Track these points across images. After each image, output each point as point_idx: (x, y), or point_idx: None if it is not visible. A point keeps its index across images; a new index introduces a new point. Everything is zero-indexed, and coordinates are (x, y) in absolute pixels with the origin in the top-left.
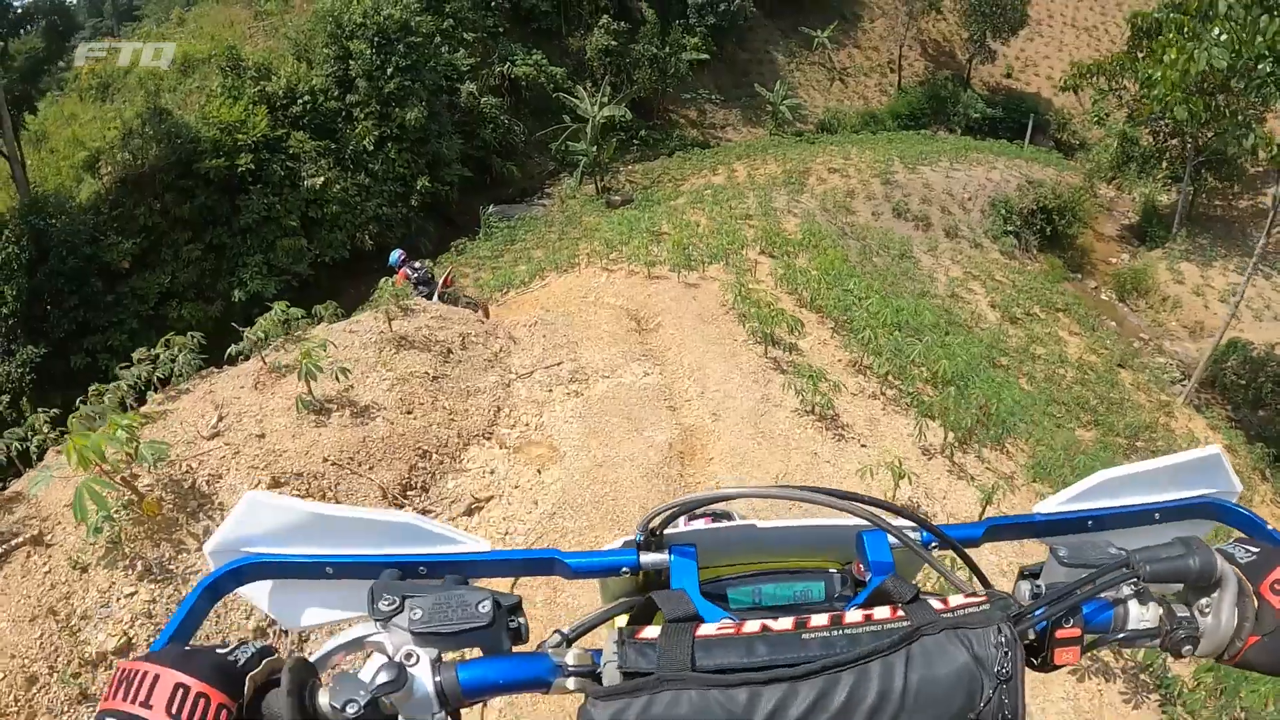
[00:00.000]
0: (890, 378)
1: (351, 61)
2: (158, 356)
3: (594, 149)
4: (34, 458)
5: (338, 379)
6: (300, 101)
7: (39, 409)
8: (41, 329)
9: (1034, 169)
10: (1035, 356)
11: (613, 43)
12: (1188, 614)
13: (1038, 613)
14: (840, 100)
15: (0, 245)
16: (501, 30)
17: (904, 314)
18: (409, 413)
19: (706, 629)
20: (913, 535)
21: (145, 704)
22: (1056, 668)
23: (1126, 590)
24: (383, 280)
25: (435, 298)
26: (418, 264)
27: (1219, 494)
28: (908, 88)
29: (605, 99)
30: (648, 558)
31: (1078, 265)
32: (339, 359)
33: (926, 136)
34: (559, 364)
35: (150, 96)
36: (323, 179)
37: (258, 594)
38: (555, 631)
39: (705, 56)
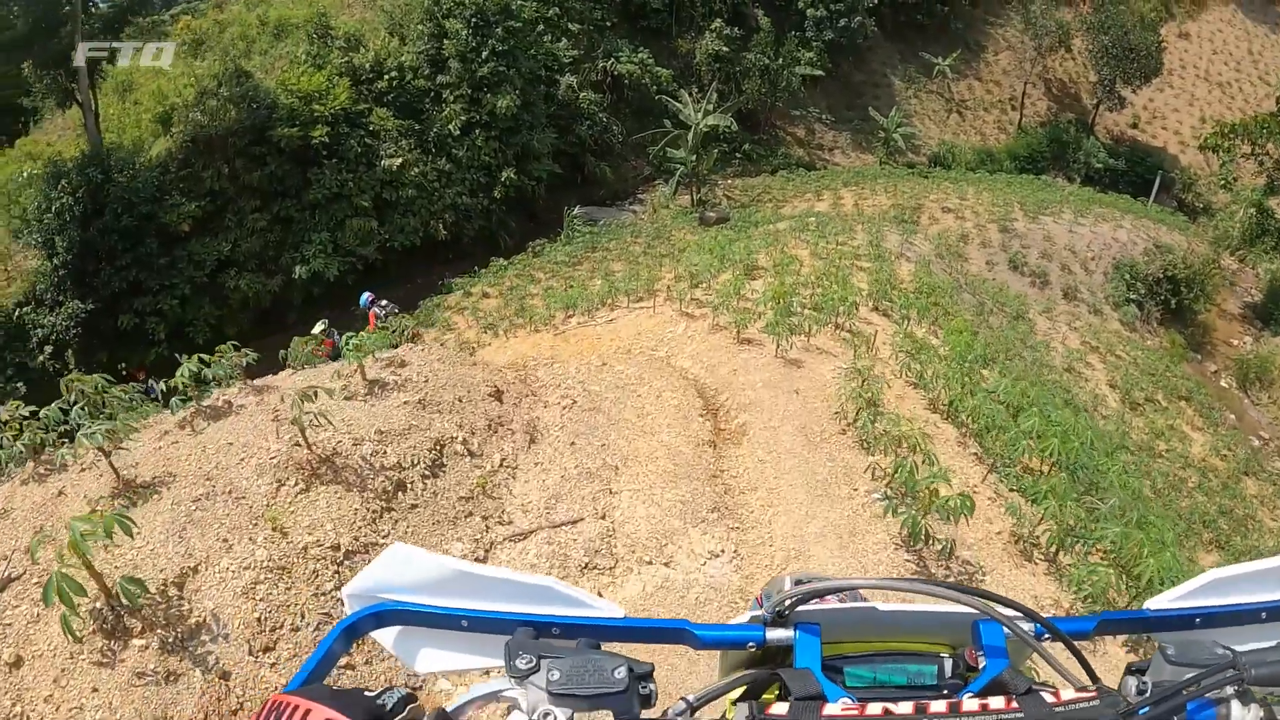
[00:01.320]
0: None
1: (446, 41)
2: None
3: (693, 158)
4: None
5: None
6: (387, 77)
7: (80, 364)
8: (91, 285)
9: (1162, 232)
10: (1157, 453)
11: (724, 49)
12: None
13: (1143, 711)
14: (956, 134)
15: (56, 194)
16: (609, 24)
17: (1075, 443)
18: (266, 650)
19: (831, 709)
20: (1025, 627)
21: None
22: None
23: (1230, 690)
24: (294, 341)
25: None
26: (385, 302)
27: None
28: (1028, 128)
29: (710, 106)
30: (774, 634)
31: (1198, 344)
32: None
33: (1046, 183)
34: (577, 520)
35: (230, 57)
36: (401, 160)
37: (388, 637)
38: (681, 699)
39: (819, 73)
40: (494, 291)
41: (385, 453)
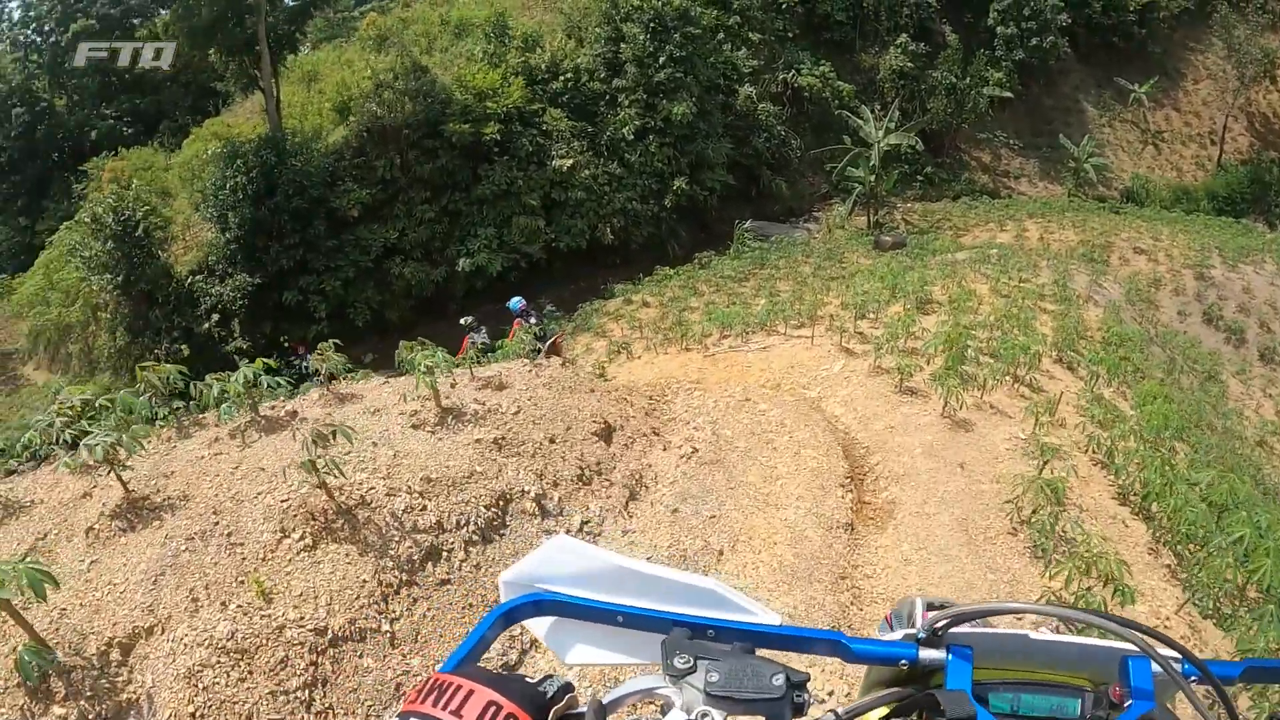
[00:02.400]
0: None
1: (623, 45)
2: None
3: (872, 178)
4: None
5: None
6: (562, 78)
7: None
8: (260, 260)
9: None
10: None
11: (908, 65)
12: None
13: None
14: (1151, 168)
15: (232, 173)
16: (790, 35)
17: None
18: None
19: None
20: (1176, 668)
21: (456, 713)
22: None
23: None
24: (402, 345)
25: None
26: (534, 319)
27: None
28: (1229, 165)
29: (893, 125)
30: (927, 654)
31: None
32: None
33: (1246, 227)
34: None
35: (409, 52)
36: (572, 161)
37: (540, 626)
38: (830, 712)
39: (1008, 94)
40: (655, 301)
41: (425, 508)
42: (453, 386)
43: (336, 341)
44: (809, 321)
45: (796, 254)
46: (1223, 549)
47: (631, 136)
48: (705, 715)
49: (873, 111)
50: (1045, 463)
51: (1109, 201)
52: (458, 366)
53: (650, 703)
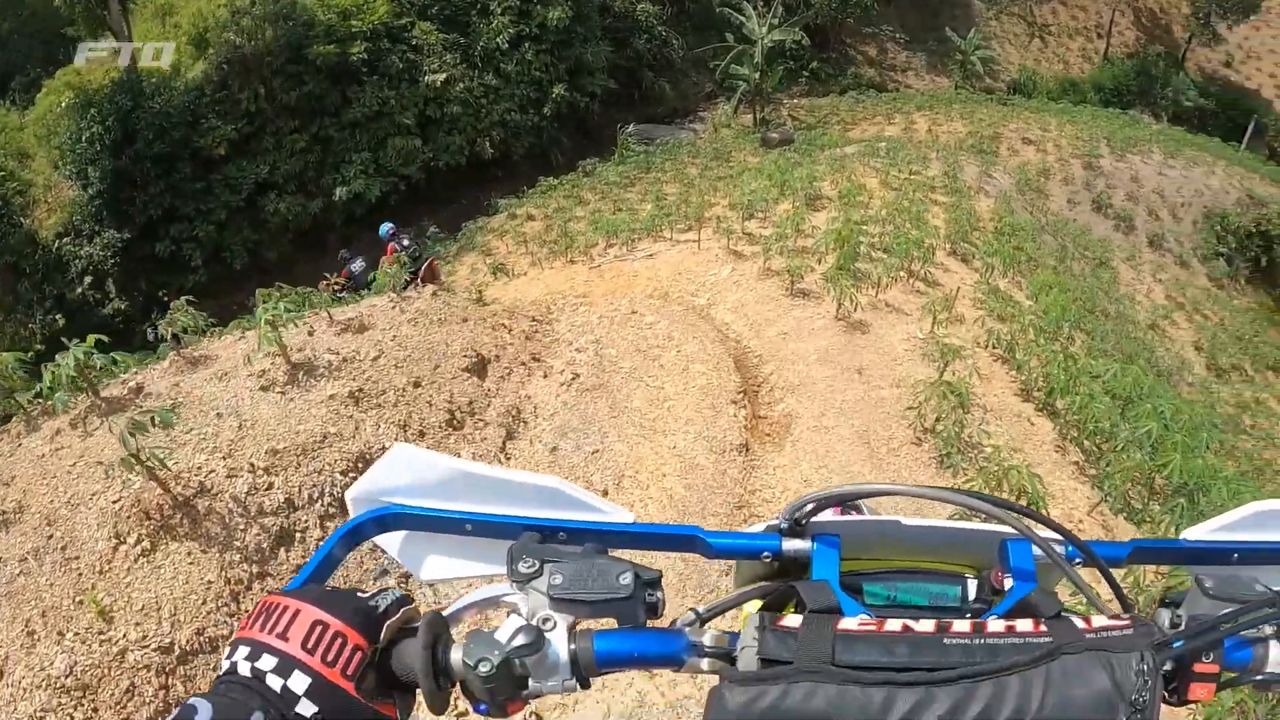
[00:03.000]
0: None
1: None
2: None
3: (757, 75)
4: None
5: None
6: None
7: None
8: (127, 213)
9: (1256, 182)
10: (1242, 429)
11: None
12: None
13: (1180, 644)
14: (1038, 60)
15: (86, 124)
16: None
17: (1200, 462)
18: None
19: (848, 623)
20: (1058, 550)
21: (282, 636)
22: (1190, 702)
23: (1268, 630)
24: (258, 293)
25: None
26: (407, 240)
27: None
28: (1115, 59)
29: (776, 21)
30: (791, 544)
31: None
32: None
33: (1133, 119)
34: None
35: None
36: (445, 76)
37: (391, 542)
38: (690, 610)
39: None
40: (539, 214)
41: (271, 486)
42: (310, 335)
43: (190, 298)
44: (696, 224)
45: (682, 155)
46: (1130, 443)
47: (506, 45)
48: (547, 620)
49: (756, 8)
50: (946, 364)
51: (996, 94)
52: (314, 310)
53: (497, 612)
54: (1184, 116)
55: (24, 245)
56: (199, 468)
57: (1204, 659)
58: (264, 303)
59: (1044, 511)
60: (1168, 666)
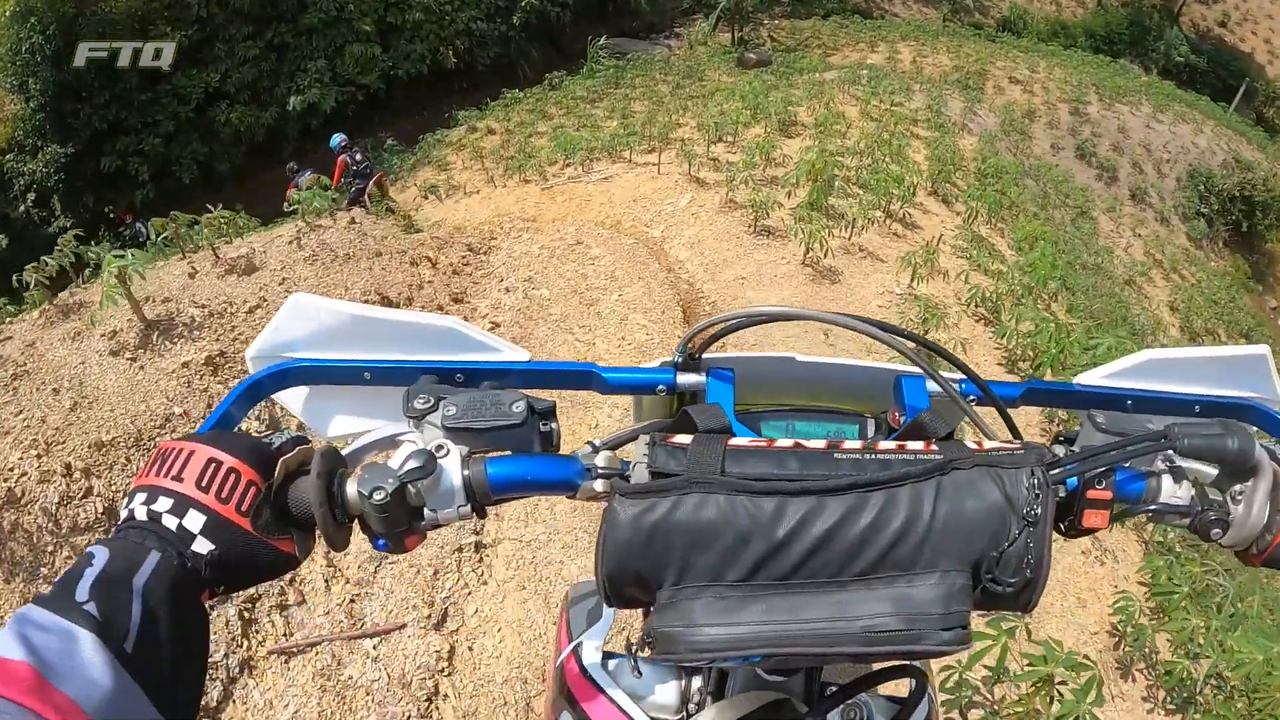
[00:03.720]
0: None
1: None
2: None
3: None
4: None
5: None
6: None
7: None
8: (71, 127)
9: (1243, 146)
10: None
11: None
12: (1220, 499)
13: (1071, 466)
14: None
15: (26, 33)
16: None
17: None
18: None
19: (739, 440)
20: (952, 383)
21: (177, 477)
22: (1084, 532)
23: (1161, 464)
24: (153, 222)
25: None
26: (359, 154)
27: (1261, 399)
28: (1108, 5)
29: None
30: (685, 378)
31: (1261, 274)
32: None
33: (1123, 68)
34: (391, 630)
35: None
36: None
37: (294, 399)
38: (587, 443)
39: None
40: (500, 128)
41: (90, 491)
42: (192, 278)
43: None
44: (660, 146)
45: (654, 72)
46: None
47: None
48: (440, 447)
49: None
50: (926, 330)
51: (985, 29)
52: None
53: (396, 451)
54: (1174, 72)
55: None
56: (11, 469)
57: (1097, 486)
58: (110, 251)
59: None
60: (1061, 493)
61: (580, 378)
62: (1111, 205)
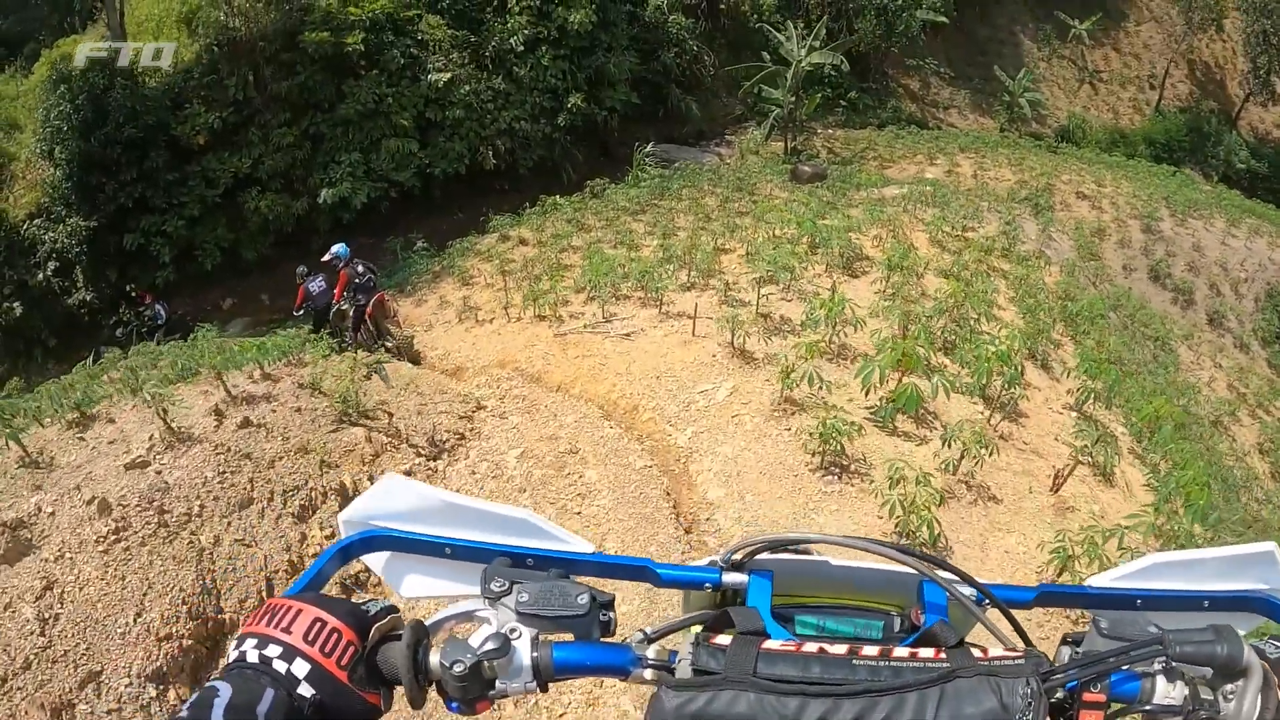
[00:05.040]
0: None
1: None
2: None
3: (792, 99)
4: None
5: None
6: None
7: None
8: (96, 201)
9: None
10: None
11: None
12: (1211, 698)
13: (1068, 672)
14: (1087, 108)
15: (55, 100)
16: None
17: None
18: None
19: (771, 644)
20: (965, 592)
21: (286, 630)
22: None
23: (1157, 666)
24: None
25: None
26: (361, 268)
27: (1270, 591)
28: (1167, 112)
29: (817, 44)
30: (730, 577)
31: None
32: None
33: (1189, 179)
34: None
35: None
36: (450, 75)
37: (376, 561)
38: (639, 630)
39: (942, 20)
40: (534, 237)
41: None
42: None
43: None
44: (701, 281)
45: (702, 182)
46: None
47: (521, 48)
48: (514, 630)
49: (796, 29)
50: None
51: (1045, 140)
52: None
53: (471, 625)
54: (1234, 178)
55: None
56: None
57: (1092, 689)
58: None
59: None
60: (1059, 695)
61: (638, 571)
62: (1188, 332)
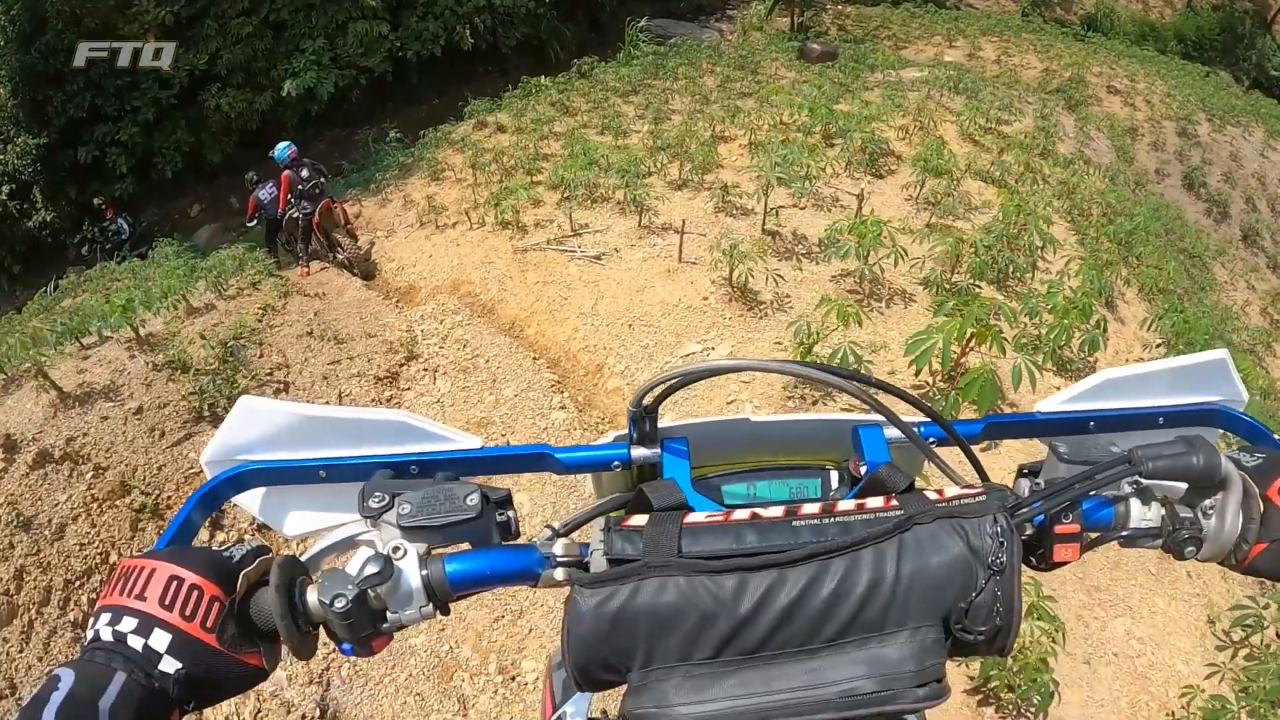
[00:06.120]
0: None
1: None
2: None
3: None
4: None
5: None
6: None
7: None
8: (46, 115)
9: None
10: None
11: None
12: (1191, 515)
13: (1035, 505)
14: None
15: None
16: None
17: None
18: None
19: (695, 517)
20: (912, 427)
21: (140, 596)
22: (1056, 565)
23: (1128, 488)
24: None
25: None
26: (306, 172)
27: (1225, 401)
28: (1199, 7)
29: None
30: (639, 451)
31: None
32: None
33: (1224, 81)
34: None
35: None
36: None
37: (252, 501)
38: (546, 526)
39: None
40: (513, 124)
41: None
42: None
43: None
44: (695, 177)
45: (700, 60)
46: None
47: None
48: (397, 548)
49: None
50: None
51: (1070, 26)
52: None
53: (355, 552)
54: (1266, 84)
55: None
56: None
57: (1064, 520)
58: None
59: None
60: (1029, 532)
61: (534, 460)
62: (1221, 248)
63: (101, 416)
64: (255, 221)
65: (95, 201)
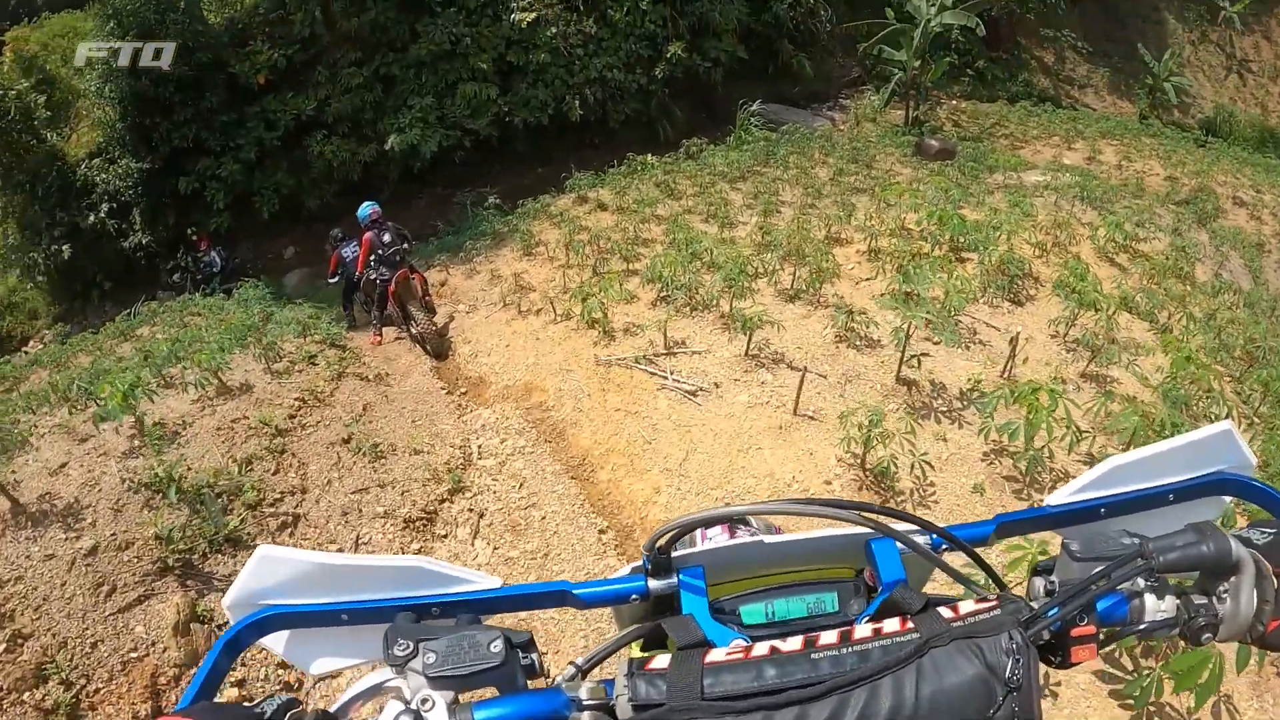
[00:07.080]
0: None
1: None
2: None
3: (916, 63)
4: None
5: None
6: None
7: (146, 226)
8: (150, 141)
9: None
10: None
11: None
12: (1205, 601)
13: (1050, 614)
14: (1234, 99)
15: (105, 35)
16: None
17: None
18: None
19: (715, 655)
20: (920, 540)
21: None
22: (1075, 664)
23: (1143, 582)
24: None
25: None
26: (388, 237)
27: (1232, 469)
28: None
29: (949, 2)
30: (656, 583)
31: None
32: None
33: None
34: None
35: None
36: (535, 15)
37: (276, 643)
38: (570, 664)
39: None
40: (615, 203)
41: None
42: None
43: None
44: (809, 290)
45: (813, 149)
46: None
47: None
48: (426, 700)
49: None
50: None
51: (1190, 132)
52: None
53: (384, 698)
54: None
55: (40, 165)
56: None
57: (1079, 623)
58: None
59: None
60: (1045, 637)
61: (555, 597)
62: None
63: (47, 554)
64: (336, 278)
65: (189, 231)
